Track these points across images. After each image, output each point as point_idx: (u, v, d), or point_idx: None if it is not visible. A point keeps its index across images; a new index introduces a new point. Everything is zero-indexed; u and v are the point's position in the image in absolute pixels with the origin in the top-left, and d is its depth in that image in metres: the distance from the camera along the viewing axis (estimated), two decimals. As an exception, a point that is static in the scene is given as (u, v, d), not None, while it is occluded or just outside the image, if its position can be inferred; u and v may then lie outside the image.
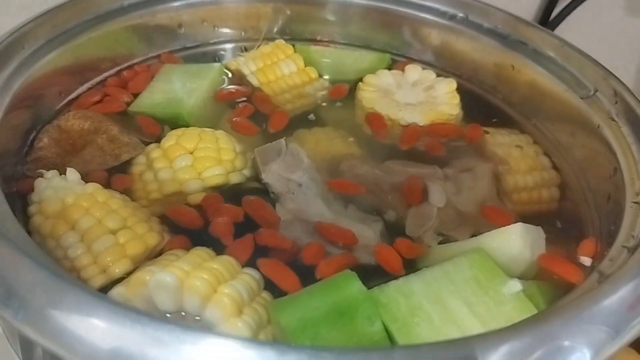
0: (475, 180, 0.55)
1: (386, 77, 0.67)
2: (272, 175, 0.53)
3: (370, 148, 0.61)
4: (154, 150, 0.54)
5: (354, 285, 0.41)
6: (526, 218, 0.54)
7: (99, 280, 0.44)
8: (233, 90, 0.66)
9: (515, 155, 0.59)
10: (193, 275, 0.40)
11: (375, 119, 0.63)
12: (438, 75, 0.68)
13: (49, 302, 0.33)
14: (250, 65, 0.67)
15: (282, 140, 0.55)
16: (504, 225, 0.47)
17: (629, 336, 0.37)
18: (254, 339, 0.39)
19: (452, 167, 0.57)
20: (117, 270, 0.44)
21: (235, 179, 0.54)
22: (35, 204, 0.48)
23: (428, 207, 0.52)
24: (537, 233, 0.48)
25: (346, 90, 0.67)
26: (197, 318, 0.40)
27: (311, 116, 0.64)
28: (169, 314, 0.40)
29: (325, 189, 0.53)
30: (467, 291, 0.42)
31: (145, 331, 0.31)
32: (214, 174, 0.52)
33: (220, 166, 0.53)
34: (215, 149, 0.54)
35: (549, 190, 0.58)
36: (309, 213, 0.50)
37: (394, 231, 0.51)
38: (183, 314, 0.41)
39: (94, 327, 0.32)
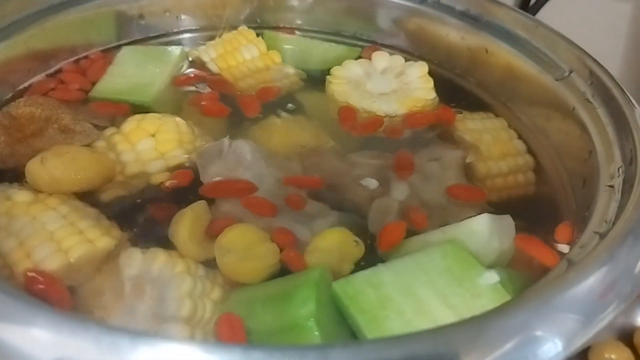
0: (443, 169, 0.53)
1: (354, 68, 0.64)
2: (209, 177, 0.50)
3: (342, 138, 0.58)
4: (114, 135, 0.53)
5: (311, 274, 0.39)
6: (501, 203, 0.52)
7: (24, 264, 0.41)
8: (191, 76, 0.64)
9: (487, 141, 0.57)
10: None
11: (345, 113, 0.60)
12: (407, 60, 0.65)
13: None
14: (210, 52, 0.65)
15: (225, 140, 0.52)
16: (477, 202, 0.46)
17: (600, 324, 0.35)
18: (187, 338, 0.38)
19: (419, 157, 0.55)
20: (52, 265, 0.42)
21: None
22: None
23: (389, 200, 0.50)
24: (506, 221, 0.46)
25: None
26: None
27: (290, 106, 0.62)
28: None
29: (277, 184, 0.50)
30: (441, 282, 0.39)
31: (90, 338, 0.29)
32: (176, 155, 0.53)
33: (182, 148, 0.53)
34: (176, 132, 0.54)
35: (525, 175, 0.56)
36: (248, 214, 0.47)
37: (358, 227, 0.48)
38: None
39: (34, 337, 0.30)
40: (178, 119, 0.55)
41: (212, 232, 0.45)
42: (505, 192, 0.55)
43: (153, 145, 0.53)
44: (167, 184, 0.51)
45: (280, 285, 0.40)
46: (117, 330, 0.29)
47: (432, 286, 0.39)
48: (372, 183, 0.51)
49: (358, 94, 0.62)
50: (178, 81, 0.63)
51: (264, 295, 0.39)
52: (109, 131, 0.54)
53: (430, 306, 0.38)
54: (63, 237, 0.43)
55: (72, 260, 0.42)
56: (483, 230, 0.44)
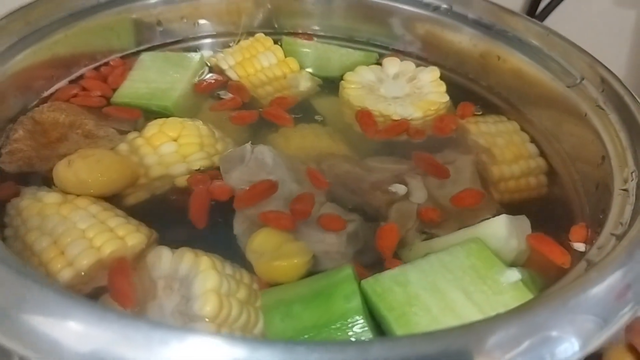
0: (457, 173, 0.54)
1: (366, 73, 0.65)
2: (233, 182, 0.51)
3: (357, 143, 0.60)
4: (137, 139, 0.54)
5: (343, 272, 0.40)
6: (514, 205, 0.53)
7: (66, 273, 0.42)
8: (212, 82, 0.65)
9: (500, 144, 0.58)
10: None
11: (364, 117, 0.61)
12: (419, 66, 0.67)
13: (16, 304, 0.32)
14: (229, 60, 0.66)
15: (247, 146, 0.53)
16: (480, 203, 0.48)
17: (617, 325, 0.36)
18: (229, 334, 0.39)
19: None
20: (85, 261, 0.43)
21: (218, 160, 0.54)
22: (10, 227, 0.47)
23: (408, 204, 0.51)
24: (523, 222, 0.47)
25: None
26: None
27: (306, 112, 0.63)
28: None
29: (298, 188, 0.51)
30: (465, 280, 0.41)
31: (121, 331, 0.30)
32: (198, 158, 0.54)
33: (203, 151, 0.54)
34: (198, 135, 0.55)
35: (537, 178, 0.57)
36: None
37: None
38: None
39: (69, 330, 0.31)
40: (199, 122, 0.56)
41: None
42: (517, 194, 0.56)
43: (175, 149, 0.54)
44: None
45: (311, 285, 0.41)
46: (152, 324, 0.30)
47: (457, 284, 0.40)
48: (401, 189, 0.52)
49: (373, 97, 0.63)
50: (200, 87, 0.64)
51: (298, 295, 0.40)
52: (132, 135, 0.55)
53: (455, 303, 0.39)
54: (94, 234, 0.44)
55: (104, 256, 0.43)
56: (502, 231, 0.45)
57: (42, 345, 0.31)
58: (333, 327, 0.37)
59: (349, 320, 0.37)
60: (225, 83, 0.65)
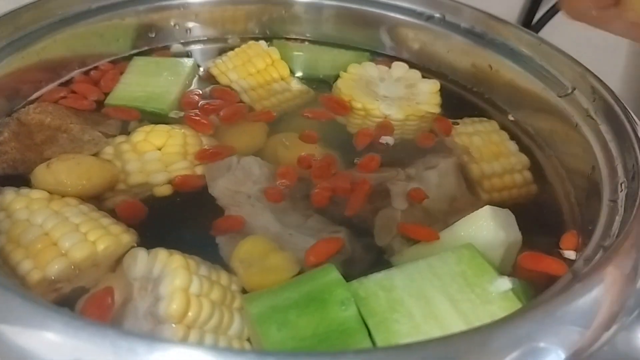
0: (441, 176, 0.53)
1: (371, 69, 0.66)
2: (218, 190, 0.51)
3: (343, 150, 0.58)
4: (123, 144, 0.54)
5: (330, 274, 0.39)
6: (504, 204, 0.51)
7: (35, 275, 0.41)
8: (196, 98, 0.63)
9: (478, 143, 0.58)
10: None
11: (331, 100, 0.62)
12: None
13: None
14: (220, 66, 0.66)
15: (234, 157, 0.53)
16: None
17: (603, 337, 0.35)
18: (214, 346, 0.38)
19: (415, 167, 0.55)
20: (79, 254, 0.42)
21: (201, 170, 0.54)
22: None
23: (392, 211, 0.50)
24: (506, 214, 0.47)
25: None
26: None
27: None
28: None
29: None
30: (453, 287, 0.39)
31: (104, 343, 0.29)
32: (181, 167, 0.53)
33: (186, 160, 0.54)
34: (182, 145, 0.54)
35: (521, 174, 0.57)
36: (254, 226, 0.48)
37: (363, 241, 0.49)
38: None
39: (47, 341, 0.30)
40: (186, 130, 0.56)
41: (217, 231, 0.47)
42: (505, 192, 0.56)
43: (159, 157, 0.53)
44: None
45: (299, 288, 0.39)
46: (131, 335, 0.29)
47: (443, 291, 0.39)
48: (390, 140, 0.55)
49: (364, 90, 0.63)
50: (186, 102, 0.62)
51: (289, 301, 0.38)
52: (119, 139, 0.55)
53: (440, 311, 0.38)
54: (89, 229, 0.44)
55: (99, 250, 0.43)
56: (488, 222, 0.44)
57: (9, 355, 0.30)
58: (333, 335, 0.36)
59: (348, 327, 0.37)
60: (211, 93, 0.64)
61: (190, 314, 0.38)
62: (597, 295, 0.36)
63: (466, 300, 0.39)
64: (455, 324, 0.37)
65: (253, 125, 0.60)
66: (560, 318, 0.34)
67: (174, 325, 0.37)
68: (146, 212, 0.49)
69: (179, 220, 0.49)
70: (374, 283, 0.39)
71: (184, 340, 0.37)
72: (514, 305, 0.39)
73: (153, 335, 0.37)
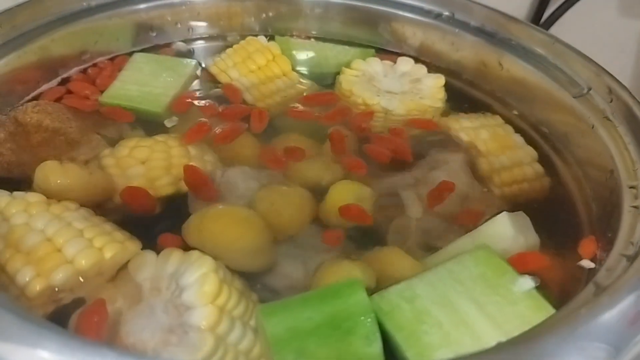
0: (451, 176, 0.51)
1: (375, 64, 0.65)
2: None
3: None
4: (107, 158, 0.51)
5: (357, 296, 0.37)
6: (519, 205, 0.51)
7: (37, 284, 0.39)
8: (191, 101, 0.61)
9: (484, 137, 0.57)
10: None
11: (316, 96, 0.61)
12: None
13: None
14: (220, 65, 0.64)
15: (217, 171, 0.51)
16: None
17: (631, 354, 0.33)
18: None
19: (420, 167, 0.53)
20: (85, 261, 0.40)
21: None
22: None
23: (406, 220, 0.48)
24: (523, 218, 0.46)
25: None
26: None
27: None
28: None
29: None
30: (476, 290, 0.38)
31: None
32: (164, 184, 0.50)
33: (170, 175, 0.51)
34: (166, 159, 0.51)
35: (531, 167, 0.55)
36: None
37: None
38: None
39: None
40: (174, 139, 0.53)
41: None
42: (516, 186, 0.54)
43: (143, 172, 0.50)
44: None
45: (321, 307, 0.37)
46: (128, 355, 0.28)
47: (467, 295, 0.38)
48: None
49: (365, 85, 0.62)
50: (180, 105, 0.60)
51: (310, 325, 0.36)
52: (105, 152, 0.52)
53: (468, 316, 0.37)
54: (94, 235, 0.42)
55: (107, 258, 0.41)
56: (507, 228, 0.44)
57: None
58: None
59: None
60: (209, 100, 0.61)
61: (222, 296, 0.38)
62: (623, 308, 0.34)
63: (492, 303, 0.38)
64: (486, 328, 0.36)
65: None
66: (584, 335, 0.33)
67: (205, 307, 0.37)
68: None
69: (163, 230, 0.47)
70: (395, 295, 0.38)
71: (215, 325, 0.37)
72: (541, 304, 0.38)
73: (149, 356, 0.36)
